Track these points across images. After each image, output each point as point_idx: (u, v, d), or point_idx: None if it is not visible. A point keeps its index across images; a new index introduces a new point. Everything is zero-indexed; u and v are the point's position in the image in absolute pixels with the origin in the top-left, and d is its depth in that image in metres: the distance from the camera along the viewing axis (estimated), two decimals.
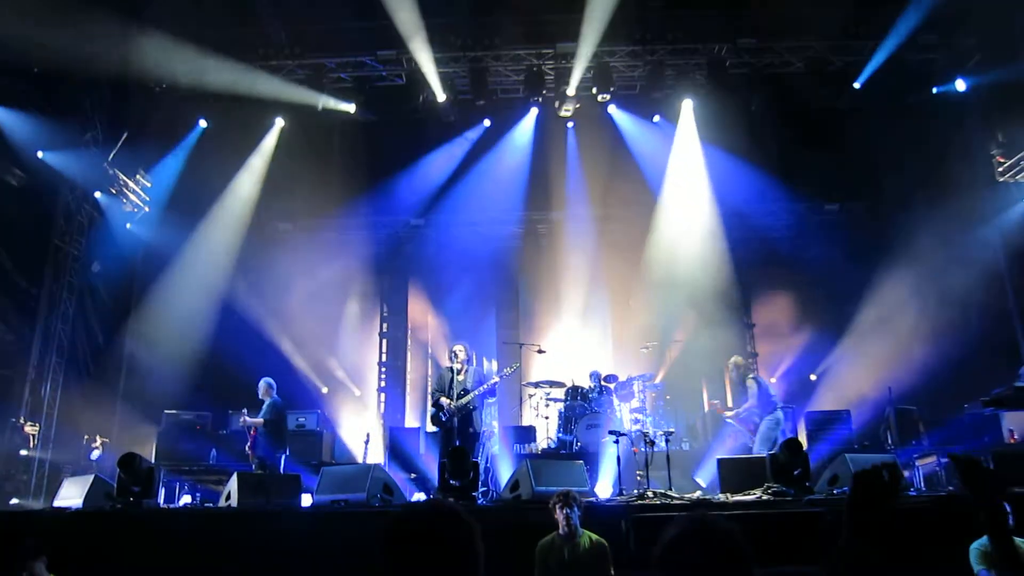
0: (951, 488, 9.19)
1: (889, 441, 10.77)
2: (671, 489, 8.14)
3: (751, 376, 9.85)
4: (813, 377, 13.13)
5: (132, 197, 13.34)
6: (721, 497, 7.58)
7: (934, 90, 12.61)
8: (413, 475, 10.62)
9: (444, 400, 9.32)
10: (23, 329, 11.26)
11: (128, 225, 13.32)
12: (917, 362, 11.55)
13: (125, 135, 12.59)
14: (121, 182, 13.08)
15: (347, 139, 13.80)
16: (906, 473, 8.41)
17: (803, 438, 10.63)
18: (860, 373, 12.21)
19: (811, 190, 13.89)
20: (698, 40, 12.76)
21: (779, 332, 13.99)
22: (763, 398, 9.62)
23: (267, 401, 10.20)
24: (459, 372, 9.49)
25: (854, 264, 12.96)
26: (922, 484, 9.60)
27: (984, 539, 5.77)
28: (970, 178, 12.14)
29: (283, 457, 10.05)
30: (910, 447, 10.32)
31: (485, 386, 9.50)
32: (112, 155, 12.55)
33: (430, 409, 9.66)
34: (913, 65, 12.57)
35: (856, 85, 12.71)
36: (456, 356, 9.56)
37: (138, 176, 13.40)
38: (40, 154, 11.36)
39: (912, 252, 12.24)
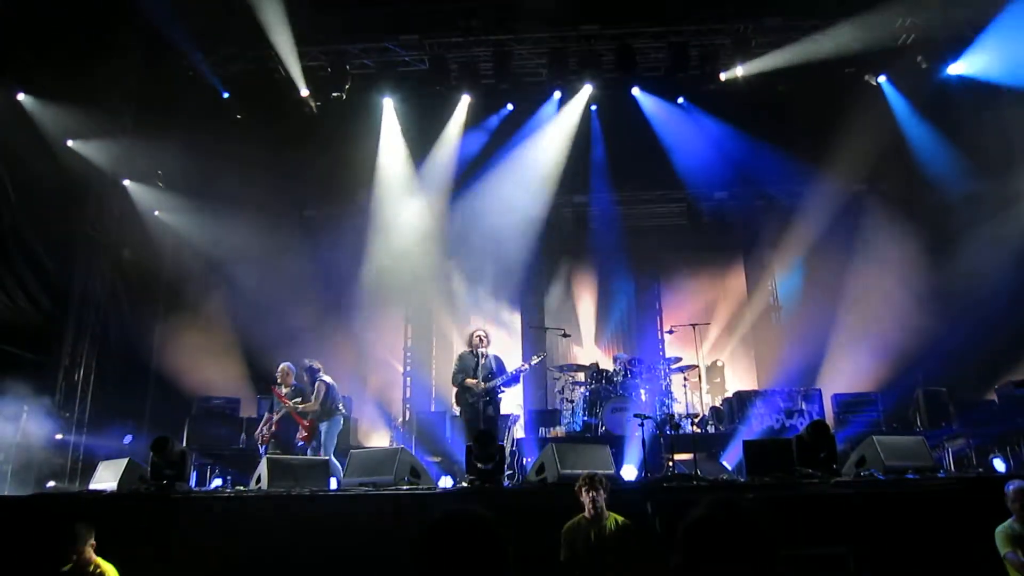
0: (980, 470, 9.12)
1: (918, 423, 10.68)
2: (697, 472, 8.12)
3: (320, 379, 10.06)
4: (839, 359, 13.00)
5: (160, 185, 13.53)
6: (747, 479, 7.56)
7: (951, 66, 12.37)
8: (439, 458, 10.68)
9: (470, 381, 9.32)
10: (56, 316, 11.45)
11: (157, 212, 13.46)
12: (947, 343, 11.39)
13: (154, 125, 12.73)
14: (150, 170, 13.27)
15: (371, 124, 13.85)
16: (935, 454, 8.33)
17: (830, 421, 10.58)
18: (889, 354, 12.09)
19: (838, 170, 13.68)
20: (722, 20, 12.59)
21: (803, 313, 13.87)
22: (328, 400, 9.94)
23: (296, 387, 10.24)
24: (482, 356, 9.48)
25: (882, 244, 12.78)
26: (952, 466, 9.53)
27: (1010, 521, 5.74)
28: (1001, 157, 11.90)
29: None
30: (940, 429, 10.22)
31: (513, 370, 9.47)
32: (141, 144, 12.69)
33: (454, 391, 9.59)
34: (940, 40, 12.32)
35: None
36: (481, 340, 9.54)
37: (166, 164, 13.57)
38: (70, 143, 11.50)
39: (941, 231, 12.04)
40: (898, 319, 12.33)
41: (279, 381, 10.25)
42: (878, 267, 12.74)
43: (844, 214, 13.43)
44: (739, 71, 12.80)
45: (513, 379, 9.47)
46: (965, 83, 12.25)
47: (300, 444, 9.79)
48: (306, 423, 9.80)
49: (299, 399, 10.00)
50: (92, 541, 5.95)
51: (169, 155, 12.94)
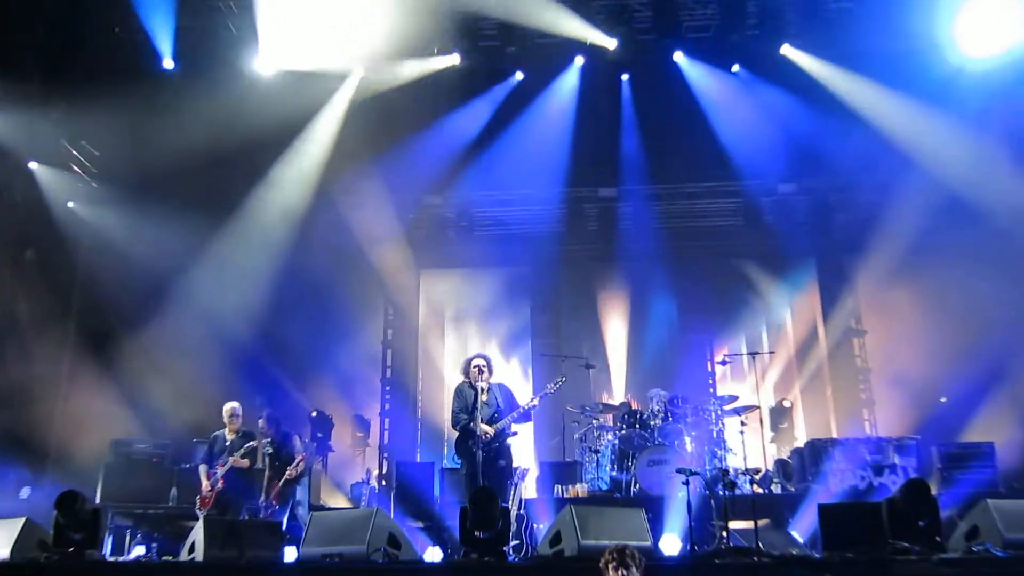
0: None
1: None
2: (758, 545, 7.95)
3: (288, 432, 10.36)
4: (943, 400, 12.84)
5: (76, 169, 13.47)
6: (824, 555, 7.37)
7: None
8: (426, 523, 10.54)
9: (473, 424, 9.10)
10: None
11: (70, 204, 13.41)
12: None
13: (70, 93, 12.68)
14: (63, 150, 13.20)
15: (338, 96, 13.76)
16: None
17: (932, 479, 10.39)
18: (1005, 396, 11.96)
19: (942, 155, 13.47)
20: None
21: (897, 340, 13.71)
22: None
23: (243, 432, 10.17)
24: (482, 391, 9.30)
25: (1003, 254, 12.59)
26: None
27: None
28: None
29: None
30: None
31: (524, 406, 9.28)
32: (53, 116, 12.64)
33: (451, 433, 9.44)
34: None
35: None
36: (480, 371, 9.36)
37: (84, 143, 13.49)
38: None
39: None
40: (1015, 350, 12.17)
41: (225, 424, 10.22)
42: (996, 282, 12.51)
43: (950, 212, 13.17)
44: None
45: (524, 416, 9.28)
46: None
47: (271, 511, 9.73)
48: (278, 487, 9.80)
49: (250, 443, 9.98)
50: None
51: (88, 133, 12.89)
